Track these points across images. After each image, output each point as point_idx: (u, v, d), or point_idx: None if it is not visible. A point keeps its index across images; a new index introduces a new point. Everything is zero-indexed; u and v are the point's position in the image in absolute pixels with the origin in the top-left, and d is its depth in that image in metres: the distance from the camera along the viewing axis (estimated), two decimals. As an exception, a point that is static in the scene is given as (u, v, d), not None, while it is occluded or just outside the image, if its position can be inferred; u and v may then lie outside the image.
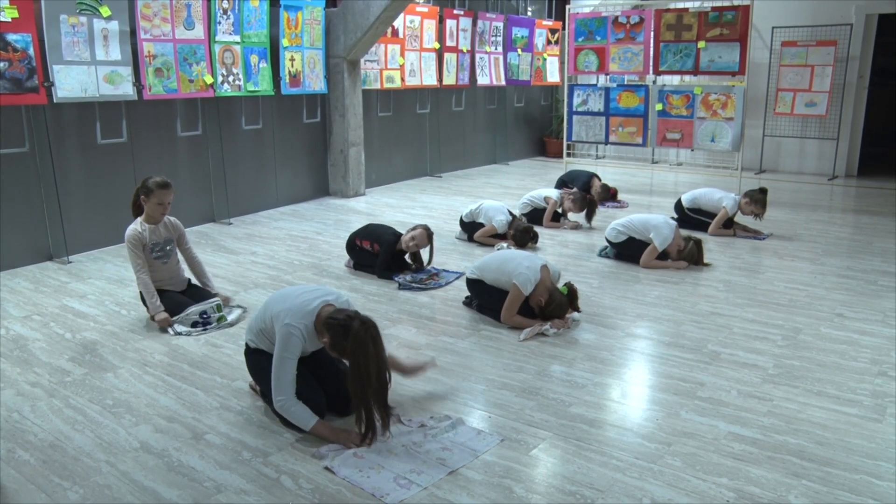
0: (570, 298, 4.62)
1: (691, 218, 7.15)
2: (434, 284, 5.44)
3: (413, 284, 5.41)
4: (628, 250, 6.07)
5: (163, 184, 4.60)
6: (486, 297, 4.80)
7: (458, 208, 7.57)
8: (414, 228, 5.60)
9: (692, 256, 5.89)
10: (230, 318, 4.68)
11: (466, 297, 5.03)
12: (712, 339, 4.36)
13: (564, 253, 6.38)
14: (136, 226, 4.62)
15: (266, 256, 6.23)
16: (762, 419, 3.35)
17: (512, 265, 4.60)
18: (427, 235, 5.56)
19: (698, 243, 5.93)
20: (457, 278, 5.56)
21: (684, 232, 6.14)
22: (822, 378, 3.80)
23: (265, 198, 8.12)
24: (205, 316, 4.57)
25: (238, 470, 2.97)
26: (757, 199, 6.88)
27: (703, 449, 3.09)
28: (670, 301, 5.07)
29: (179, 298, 4.66)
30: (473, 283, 4.85)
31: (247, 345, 3.51)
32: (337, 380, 3.42)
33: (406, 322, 4.72)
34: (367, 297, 5.15)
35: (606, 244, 6.26)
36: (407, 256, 5.76)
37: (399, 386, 3.72)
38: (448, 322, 4.73)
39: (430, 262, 5.70)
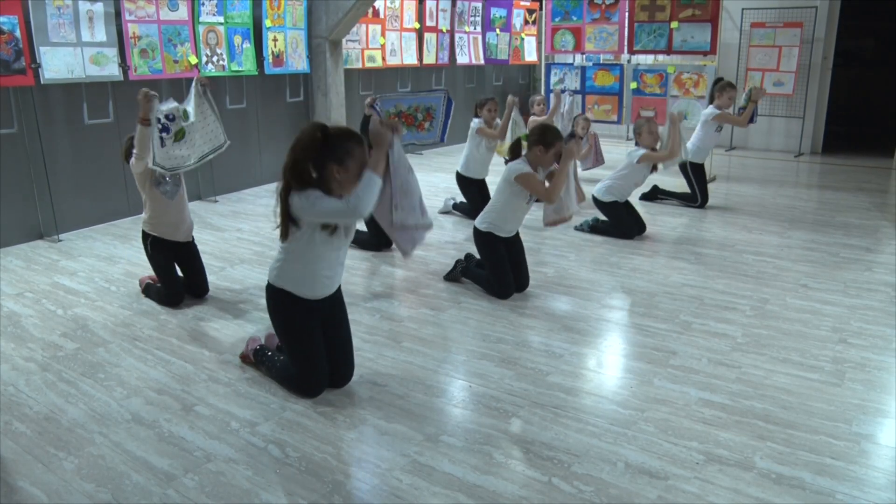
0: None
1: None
2: (410, 137, 5.41)
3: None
4: (611, 216, 6.21)
5: None
6: (488, 257, 4.82)
7: (439, 185, 7.71)
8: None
9: (646, 119, 6.21)
10: (189, 138, 4.46)
11: (447, 273, 5.12)
12: (684, 310, 4.49)
13: (542, 227, 6.44)
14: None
15: (251, 233, 6.31)
16: (731, 385, 3.49)
17: (504, 174, 4.67)
18: None
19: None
20: (431, 142, 5.71)
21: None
22: (787, 346, 3.94)
23: (250, 176, 8.17)
24: (169, 118, 4.34)
25: (227, 440, 3.04)
26: (723, 87, 7.12)
27: (674, 414, 3.22)
28: (644, 273, 5.22)
29: (178, 283, 4.63)
30: (482, 237, 4.80)
31: (268, 282, 3.43)
32: (343, 353, 3.51)
33: (388, 295, 4.81)
34: (349, 271, 5.11)
35: (583, 220, 6.45)
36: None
37: (381, 357, 3.84)
38: (429, 295, 4.81)
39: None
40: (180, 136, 4.41)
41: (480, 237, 4.83)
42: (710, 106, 7.22)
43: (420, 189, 3.42)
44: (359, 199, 3.05)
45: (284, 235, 3.24)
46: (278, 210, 3.21)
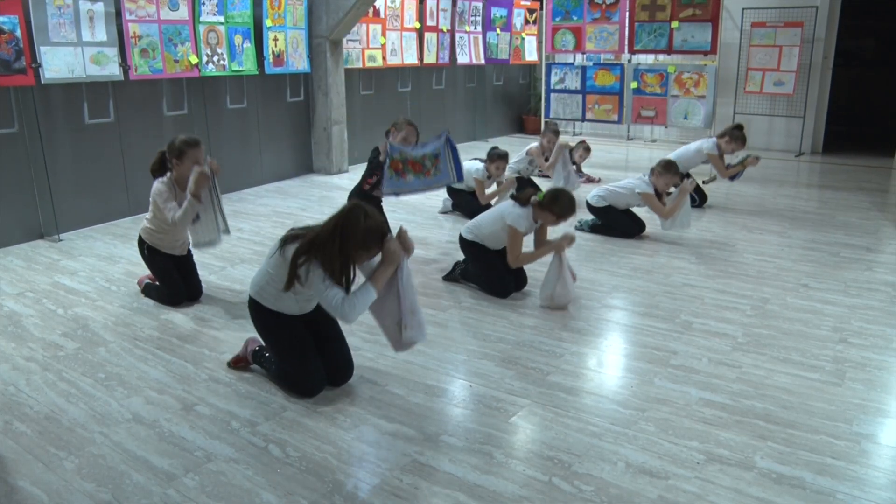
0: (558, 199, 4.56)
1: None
2: (418, 183, 5.28)
3: (399, 188, 5.22)
4: (606, 219, 6.24)
5: (193, 142, 4.34)
6: (476, 262, 4.86)
7: (439, 185, 7.71)
8: (398, 127, 5.38)
9: (670, 165, 6.06)
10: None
11: (447, 273, 5.13)
12: (685, 310, 4.49)
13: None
14: (166, 183, 4.39)
15: (252, 232, 6.31)
16: (731, 385, 3.49)
17: (504, 210, 4.67)
18: (415, 129, 5.38)
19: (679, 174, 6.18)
20: (443, 185, 5.56)
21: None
22: (788, 345, 3.94)
23: (250, 175, 8.18)
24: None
25: (227, 439, 3.04)
26: (736, 137, 7.05)
27: (675, 414, 3.22)
28: (644, 273, 5.22)
29: (178, 282, 4.63)
30: (468, 245, 4.87)
31: (250, 297, 3.50)
32: (339, 352, 3.53)
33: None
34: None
35: (583, 219, 6.44)
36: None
37: (381, 357, 3.84)
38: (430, 294, 4.82)
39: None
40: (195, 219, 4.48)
41: (467, 245, 4.88)
42: (714, 140, 7.18)
43: (418, 302, 3.43)
44: (353, 308, 3.12)
45: (289, 286, 3.23)
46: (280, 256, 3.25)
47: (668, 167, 6.04)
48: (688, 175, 7.24)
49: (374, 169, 5.30)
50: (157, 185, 4.42)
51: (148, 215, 4.58)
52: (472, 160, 6.82)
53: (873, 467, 2.82)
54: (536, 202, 4.58)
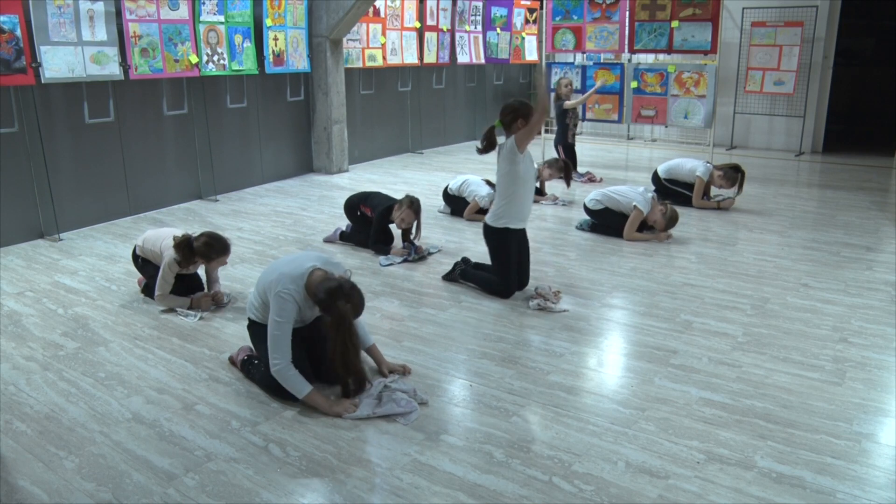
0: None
1: (668, 189, 7.29)
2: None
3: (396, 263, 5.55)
4: (604, 221, 6.22)
5: (223, 249, 4.49)
6: (494, 256, 4.79)
7: (439, 184, 7.68)
8: (401, 206, 5.55)
9: (673, 218, 6.01)
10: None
11: (446, 273, 5.10)
12: (685, 309, 4.49)
13: (542, 226, 6.50)
14: (178, 261, 4.45)
15: (252, 232, 6.31)
16: (731, 384, 3.49)
17: (503, 154, 4.57)
18: (413, 212, 5.53)
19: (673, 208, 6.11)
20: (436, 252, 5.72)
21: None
22: (788, 345, 3.94)
23: (250, 175, 8.19)
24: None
25: (227, 439, 3.05)
26: (731, 178, 7.00)
27: (675, 414, 3.22)
28: (645, 273, 5.21)
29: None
30: (495, 233, 4.74)
31: (249, 319, 3.57)
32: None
33: (389, 294, 4.81)
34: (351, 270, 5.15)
35: (583, 219, 6.45)
36: (396, 227, 5.81)
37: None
38: (430, 294, 4.82)
39: (416, 236, 5.64)
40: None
41: (494, 234, 4.70)
42: (711, 168, 7.15)
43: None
44: (286, 377, 3.25)
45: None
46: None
47: (672, 219, 6.02)
48: (677, 187, 7.28)
49: (378, 225, 5.76)
50: (171, 258, 4.42)
51: (150, 247, 4.61)
52: (482, 180, 6.79)
53: (873, 467, 2.82)
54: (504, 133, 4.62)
